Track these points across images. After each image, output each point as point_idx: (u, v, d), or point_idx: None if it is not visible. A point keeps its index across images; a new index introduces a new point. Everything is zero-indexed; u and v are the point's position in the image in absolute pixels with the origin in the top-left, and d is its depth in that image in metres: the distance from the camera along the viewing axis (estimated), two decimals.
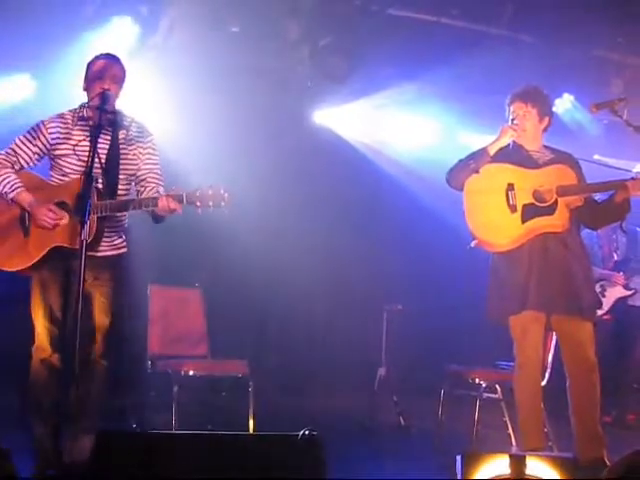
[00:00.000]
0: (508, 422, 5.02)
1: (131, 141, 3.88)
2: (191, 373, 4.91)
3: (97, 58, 3.88)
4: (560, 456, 3.20)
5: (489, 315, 4.30)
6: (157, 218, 3.85)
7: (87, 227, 3.36)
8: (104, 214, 3.67)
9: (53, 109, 3.99)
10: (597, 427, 4.07)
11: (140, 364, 5.22)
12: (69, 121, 3.84)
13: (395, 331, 6.36)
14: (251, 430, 4.83)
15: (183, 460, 2.94)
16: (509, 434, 4.97)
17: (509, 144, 4.28)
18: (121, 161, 3.83)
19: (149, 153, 3.94)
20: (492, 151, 4.23)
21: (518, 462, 3.02)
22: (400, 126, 7.55)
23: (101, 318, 3.78)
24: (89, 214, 3.40)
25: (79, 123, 3.83)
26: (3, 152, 3.82)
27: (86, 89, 3.84)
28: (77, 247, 3.36)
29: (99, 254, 3.77)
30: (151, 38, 6.08)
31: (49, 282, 3.77)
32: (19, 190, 3.73)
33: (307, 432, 3.02)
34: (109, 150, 3.77)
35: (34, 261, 3.72)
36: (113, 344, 3.87)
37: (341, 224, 7.42)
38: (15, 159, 3.80)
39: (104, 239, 3.78)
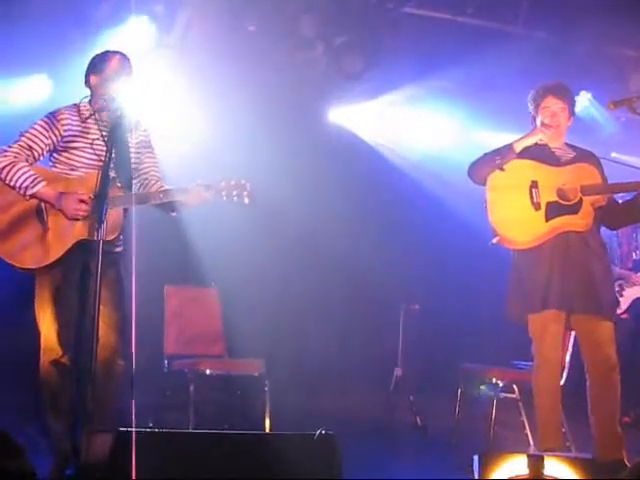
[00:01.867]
0: (525, 422, 4.99)
1: (139, 144, 3.88)
2: (207, 372, 4.92)
3: (110, 55, 3.85)
4: (579, 457, 3.17)
5: (509, 313, 4.26)
6: (171, 210, 3.87)
7: (105, 225, 3.34)
8: (130, 206, 3.67)
9: None
10: (616, 427, 4.04)
11: (156, 364, 5.23)
12: (82, 114, 3.81)
13: (412, 330, 6.35)
14: (267, 429, 4.83)
15: (199, 459, 2.93)
16: (526, 434, 4.94)
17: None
18: (134, 162, 3.84)
19: (150, 153, 3.95)
20: (518, 148, 4.18)
21: (536, 462, 3.00)
22: (415, 124, 7.52)
23: (116, 317, 3.77)
24: (106, 212, 3.38)
25: (93, 117, 3.80)
26: (16, 145, 3.75)
27: (94, 86, 3.81)
28: (97, 240, 3.33)
29: (114, 249, 3.77)
30: (167, 37, 6.08)
31: (62, 281, 3.72)
32: (42, 184, 3.67)
33: (323, 432, 3.01)
34: (119, 152, 3.72)
35: (57, 257, 3.66)
36: (129, 343, 3.87)
37: (357, 222, 7.40)
38: (29, 153, 3.74)
39: (120, 238, 3.79)
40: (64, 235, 3.69)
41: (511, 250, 4.25)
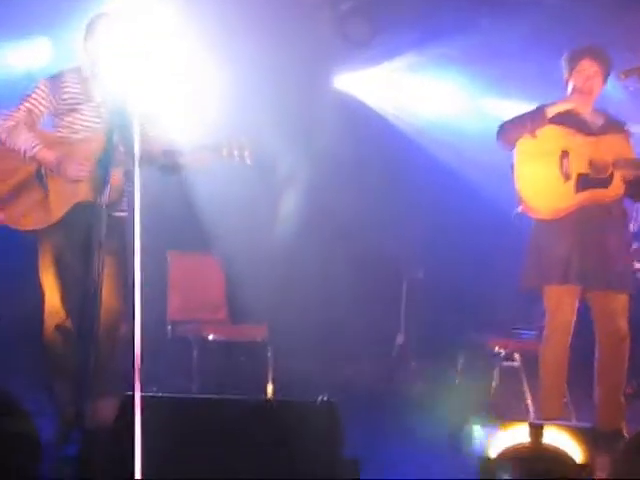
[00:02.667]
0: (527, 390, 5.02)
1: (143, 115, 3.85)
2: (211, 338, 4.95)
3: (96, 19, 3.82)
4: (578, 426, 3.19)
5: (524, 281, 4.22)
6: (175, 172, 3.88)
7: (109, 187, 3.33)
8: (129, 168, 3.60)
9: None
10: (620, 398, 4.07)
11: (159, 329, 5.26)
12: (85, 77, 3.79)
13: (415, 298, 6.36)
14: (269, 395, 4.86)
15: (201, 424, 2.96)
16: (527, 402, 4.96)
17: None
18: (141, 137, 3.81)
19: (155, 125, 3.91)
20: (550, 114, 4.07)
21: (536, 431, 3.01)
22: (421, 90, 7.45)
23: (119, 281, 3.78)
24: (109, 175, 3.37)
25: (94, 79, 3.78)
26: (17, 110, 3.74)
27: (87, 49, 3.79)
28: (98, 203, 3.32)
29: (115, 213, 3.76)
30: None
31: (64, 244, 3.73)
32: (40, 147, 3.67)
33: (324, 398, 3.02)
34: (123, 118, 3.70)
35: (57, 218, 3.68)
36: (131, 309, 3.87)
37: (361, 190, 7.38)
38: (29, 116, 3.73)
39: (123, 198, 3.78)
40: (65, 197, 3.70)
41: (533, 219, 4.15)
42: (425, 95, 7.46)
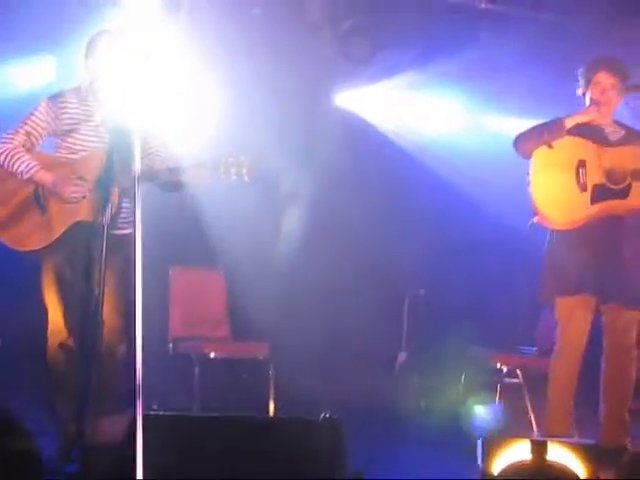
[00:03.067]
0: (529, 406, 5.00)
1: (147, 138, 3.87)
2: (212, 355, 4.94)
3: (98, 36, 3.85)
4: (581, 442, 3.17)
5: (542, 295, 4.20)
6: (175, 188, 3.89)
7: (109, 208, 3.35)
8: (126, 186, 3.63)
9: None
10: (624, 414, 4.04)
11: (161, 346, 5.25)
12: (84, 97, 3.81)
13: (417, 315, 6.35)
14: (271, 413, 4.84)
15: (202, 443, 2.95)
16: (530, 419, 4.95)
17: None
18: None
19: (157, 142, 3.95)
20: (569, 125, 4.05)
21: (539, 447, 3.00)
22: (422, 107, 7.48)
23: (120, 300, 3.79)
24: (110, 194, 3.39)
25: (94, 98, 3.80)
26: (15, 132, 3.77)
27: (90, 68, 3.81)
28: (99, 221, 3.33)
29: (115, 231, 3.76)
30: (171, 20, 6.05)
31: (65, 264, 3.75)
32: (37, 169, 3.70)
33: (327, 416, 3.02)
34: (122, 137, 3.72)
35: (56, 236, 3.69)
36: (132, 327, 3.87)
37: (363, 206, 7.38)
38: (27, 138, 3.76)
39: (121, 219, 3.78)
40: (64, 217, 3.71)
41: (548, 230, 4.13)
42: (426, 112, 7.48)
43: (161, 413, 3.22)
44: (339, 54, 6.48)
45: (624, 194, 3.98)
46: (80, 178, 3.71)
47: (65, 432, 3.69)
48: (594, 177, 4.01)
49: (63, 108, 3.78)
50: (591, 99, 4.11)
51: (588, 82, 4.12)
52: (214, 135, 6.10)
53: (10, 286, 5.47)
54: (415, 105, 7.42)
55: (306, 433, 3.02)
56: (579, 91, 4.21)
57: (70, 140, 3.78)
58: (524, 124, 6.06)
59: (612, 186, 3.99)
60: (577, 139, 4.06)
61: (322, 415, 3.01)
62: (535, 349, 5.37)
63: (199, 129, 6.08)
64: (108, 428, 3.44)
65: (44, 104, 3.80)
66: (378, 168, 7.35)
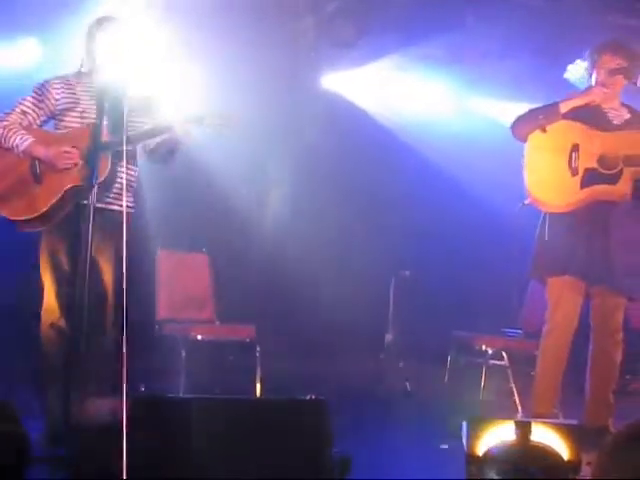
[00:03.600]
0: (514, 389, 5.04)
1: (136, 108, 3.88)
2: (199, 337, 4.94)
3: (98, 22, 3.91)
4: (565, 423, 3.20)
5: (532, 273, 4.25)
6: (164, 155, 3.94)
7: (96, 183, 3.35)
8: (115, 149, 3.64)
9: (61, 72, 4.00)
10: (609, 395, 4.09)
11: (147, 329, 5.25)
12: (73, 82, 3.89)
13: (403, 297, 6.37)
14: (258, 395, 4.86)
15: (189, 424, 2.95)
16: (515, 401, 4.99)
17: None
18: (129, 122, 3.83)
19: (153, 117, 3.97)
20: (565, 109, 4.04)
21: (523, 428, 3.02)
22: (409, 91, 7.47)
23: (109, 281, 3.80)
24: (97, 174, 3.39)
25: (82, 84, 3.88)
26: (11, 111, 3.87)
27: (88, 52, 3.87)
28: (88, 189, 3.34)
29: (109, 207, 3.77)
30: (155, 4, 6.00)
31: (58, 241, 3.79)
32: (30, 141, 3.77)
33: (313, 397, 3.03)
34: (113, 110, 3.75)
35: (50, 204, 3.73)
36: (121, 309, 3.87)
37: (349, 187, 7.39)
38: (23, 117, 3.86)
39: (115, 191, 3.79)
40: (55, 184, 3.76)
41: (542, 212, 4.15)
42: (411, 95, 7.48)
43: (148, 394, 3.22)
44: (324, 37, 6.46)
45: (614, 180, 3.98)
46: (73, 147, 3.76)
47: (52, 414, 3.69)
48: (586, 161, 4.01)
49: (55, 91, 3.85)
50: (596, 80, 4.10)
51: (594, 64, 4.12)
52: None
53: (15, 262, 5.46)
54: (401, 87, 7.41)
55: (292, 415, 3.03)
56: (566, 74, 4.22)
57: (62, 124, 3.88)
58: (509, 107, 6.10)
59: (603, 171, 3.99)
60: (573, 123, 4.06)
61: (308, 397, 3.03)
62: (520, 332, 5.40)
63: (184, 111, 6.06)
64: (95, 410, 3.45)
65: (37, 87, 3.89)
66: (364, 150, 7.34)
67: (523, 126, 4.11)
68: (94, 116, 3.68)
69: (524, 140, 4.12)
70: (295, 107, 6.85)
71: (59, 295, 3.78)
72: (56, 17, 5.61)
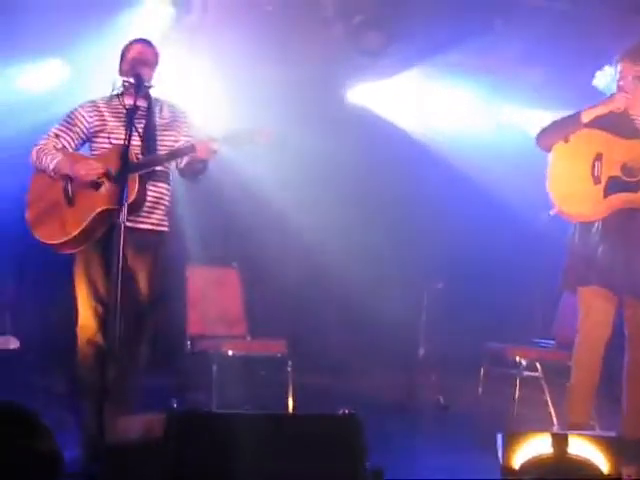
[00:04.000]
0: (549, 400, 4.98)
1: (167, 125, 3.93)
2: (230, 353, 4.93)
3: (131, 43, 3.98)
4: (603, 435, 3.14)
5: (564, 284, 4.22)
6: (194, 172, 3.94)
7: (126, 204, 3.38)
8: (145, 170, 3.71)
9: (88, 94, 4.08)
10: None
11: (179, 345, 5.26)
12: (102, 109, 3.94)
13: (435, 310, 6.33)
14: (290, 410, 4.84)
15: (221, 440, 2.95)
16: (550, 412, 4.92)
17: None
18: (158, 143, 3.87)
19: (186, 132, 4.03)
20: (587, 118, 4.04)
21: (560, 441, 2.98)
22: (436, 100, 7.45)
23: (143, 299, 3.83)
24: (127, 194, 3.42)
25: (111, 105, 3.93)
26: (46, 136, 3.95)
27: (121, 74, 3.94)
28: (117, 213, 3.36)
29: (140, 225, 3.80)
30: (185, 18, 6.07)
31: (92, 258, 3.82)
32: (59, 159, 3.83)
33: (346, 412, 3.01)
34: (146, 128, 3.82)
35: (82, 227, 3.76)
36: (153, 325, 3.90)
37: (379, 201, 7.37)
38: (57, 140, 3.93)
39: (146, 210, 3.82)
40: (89, 207, 3.79)
41: (570, 222, 4.15)
42: (439, 105, 7.45)
43: (182, 410, 3.22)
44: (351, 49, 6.47)
45: (637, 187, 3.96)
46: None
47: (89, 430, 3.70)
48: (610, 170, 4.00)
49: (85, 115, 3.92)
50: (618, 88, 4.09)
51: (617, 72, 4.12)
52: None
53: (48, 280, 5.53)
54: (428, 97, 7.39)
55: (326, 429, 3.01)
56: (595, 81, 4.20)
57: (94, 145, 3.94)
58: (538, 115, 6.06)
59: (626, 179, 3.97)
60: (596, 131, 4.04)
61: (341, 411, 3.01)
62: (553, 342, 5.34)
63: (213, 124, 6.10)
64: (128, 427, 3.45)
65: (70, 113, 3.96)
66: (392, 163, 7.32)
67: (547, 138, 4.13)
68: (122, 137, 3.70)
69: (548, 151, 4.13)
70: (324, 119, 6.86)
71: (95, 312, 3.80)
72: (81, 38, 5.69)
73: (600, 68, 6.81)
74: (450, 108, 7.40)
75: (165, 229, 3.99)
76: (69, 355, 3.90)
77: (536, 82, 6.62)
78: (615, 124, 4.04)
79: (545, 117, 4.47)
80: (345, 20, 6.31)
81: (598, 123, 4.05)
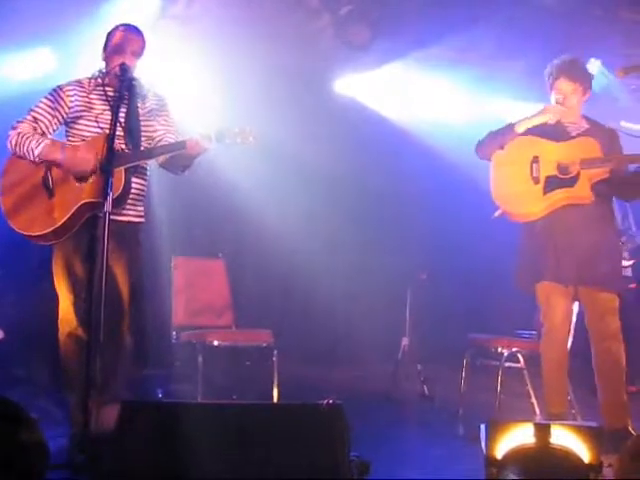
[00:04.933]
0: (531, 391, 5.02)
1: (150, 112, 3.91)
2: (216, 343, 4.93)
3: (117, 29, 3.91)
4: (585, 425, 3.18)
5: (517, 284, 4.38)
6: (181, 167, 3.92)
7: (111, 194, 3.35)
8: (133, 163, 3.68)
9: None
10: (622, 396, 4.09)
11: (165, 335, 5.26)
12: (86, 88, 3.87)
13: (419, 300, 6.36)
14: (275, 399, 4.86)
15: (207, 429, 2.96)
16: (532, 403, 4.97)
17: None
18: (142, 129, 3.85)
19: (165, 120, 3.99)
20: (520, 129, 4.25)
21: (543, 430, 3.01)
22: (423, 92, 7.46)
23: (124, 290, 3.81)
24: (112, 184, 3.40)
25: (97, 89, 3.86)
26: (23, 119, 3.83)
27: (105, 59, 3.88)
28: (102, 205, 3.33)
29: (123, 218, 3.78)
30: (172, 8, 6.05)
31: (73, 252, 3.77)
32: (46, 143, 3.73)
33: (330, 401, 3.03)
34: (128, 118, 3.78)
35: (62, 221, 3.70)
36: (137, 316, 3.90)
37: (365, 192, 7.39)
38: (35, 125, 3.81)
39: (129, 202, 3.79)
40: (70, 199, 3.72)
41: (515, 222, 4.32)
42: (425, 96, 7.47)
43: (165, 400, 3.23)
44: (338, 40, 6.47)
45: (572, 182, 4.14)
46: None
47: (76, 422, 3.70)
48: (546, 170, 4.20)
49: (69, 97, 3.83)
50: (555, 101, 4.28)
51: (551, 85, 4.31)
52: (214, 121, 6.10)
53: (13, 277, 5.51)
54: (414, 89, 7.41)
55: (310, 419, 3.03)
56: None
57: (76, 128, 3.83)
58: (519, 106, 6.13)
59: (562, 176, 4.16)
60: (530, 137, 4.25)
61: (325, 401, 3.03)
62: (535, 333, 5.38)
63: (199, 116, 6.09)
64: (113, 418, 3.46)
65: (51, 93, 3.86)
66: (377, 153, 7.34)
67: (484, 148, 4.34)
68: (109, 121, 3.67)
69: (488, 159, 4.33)
70: (309, 111, 6.86)
71: (75, 305, 3.76)
72: (70, 26, 5.65)
73: (587, 60, 6.86)
74: (433, 101, 7.42)
75: (143, 220, 3.96)
76: (52, 346, 3.88)
77: (520, 75, 6.65)
78: (548, 132, 4.24)
79: (527, 109, 4.55)
80: (332, 12, 6.30)
81: (532, 131, 4.25)
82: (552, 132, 4.24)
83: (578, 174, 4.14)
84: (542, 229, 4.19)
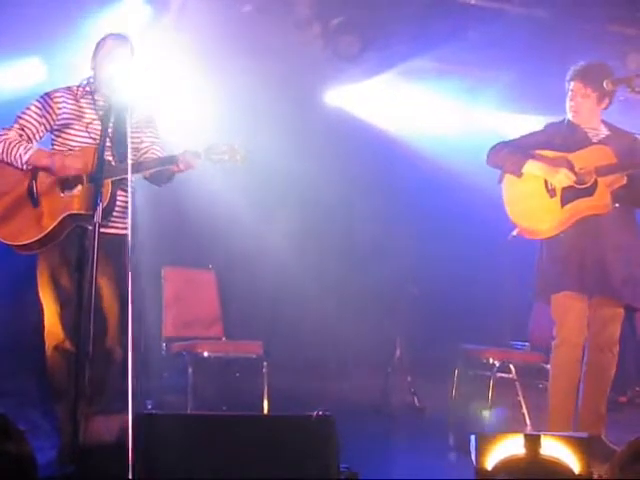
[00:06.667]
0: (522, 402, 5.01)
1: (138, 124, 3.90)
2: (205, 354, 4.92)
3: (106, 38, 3.90)
4: (575, 436, 3.18)
5: (537, 297, 4.32)
6: (165, 179, 3.91)
7: (100, 206, 3.34)
8: (121, 176, 3.65)
9: None
10: (601, 406, 4.08)
11: (154, 346, 5.24)
12: (77, 96, 3.85)
13: (409, 312, 6.36)
14: (265, 411, 4.84)
15: (197, 441, 2.95)
16: (523, 414, 4.96)
17: (564, 120, 4.21)
18: (127, 146, 3.84)
19: (152, 132, 3.99)
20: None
21: (533, 441, 3.01)
22: (413, 103, 7.49)
23: (114, 302, 3.79)
24: (101, 196, 3.39)
25: (86, 97, 3.85)
26: (10, 127, 3.82)
27: (94, 68, 3.87)
28: (91, 213, 3.31)
29: (110, 230, 3.76)
30: (162, 18, 6.05)
31: (59, 262, 3.74)
32: (34, 150, 3.72)
33: (320, 413, 3.02)
34: (116, 130, 3.76)
35: (47, 230, 3.68)
36: (126, 328, 3.87)
37: (355, 204, 7.39)
38: (22, 132, 3.80)
39: (115, 215, 3.77)
40: (55, 210, 3.71)
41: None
42: (415, 108, 7.49)
43: (155, 412, 3.22)
44: (328, 51, 6.49)
45: (590, 192, 4.05)
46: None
47: (65, 434, 3.67)
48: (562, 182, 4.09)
49: (58, 104, 3.81)
50: (570, 106, 4.21)
51: (568, 89, 4.24)
52: (203, 131, 6.10)
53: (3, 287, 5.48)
54: (404, 100, 7.43)
55: (300, 431, 3.02)
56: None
57: (64, 136, 3.82)
58: (514, 118, 6.13)
59: (578, 186, 4.06)
60: (545, 152, 4.15)
61: (315, 412, 3.02)
62: (527, 344, 5.39)
63: (189, 126, 6.09)
64: (103, 429, 3.44)
65: (39, 100, 3.84)
66: (369, 166, 7.35)
67: (495, 162, 4.24)
68: (99, 131, 3.66)
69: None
70: (300, 122, 6.87)
71: (61, 316, 3.73)
72: (58, 36, 5.65)
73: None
74: (424, 111, 7.44)
75: (127, 232, 3.93)
76: (40, 357, 3.85)
77: (511, 86, 6.69)
78: (567, 137, 4.16)
79: (520, 120, 4.54)
80: (322, 23, 6.32)
81: (550, 138, 4.17)
82: (571, 137, 4.15)
83: (595, 182, 4.03)
84: (561, 242, 4.09)
